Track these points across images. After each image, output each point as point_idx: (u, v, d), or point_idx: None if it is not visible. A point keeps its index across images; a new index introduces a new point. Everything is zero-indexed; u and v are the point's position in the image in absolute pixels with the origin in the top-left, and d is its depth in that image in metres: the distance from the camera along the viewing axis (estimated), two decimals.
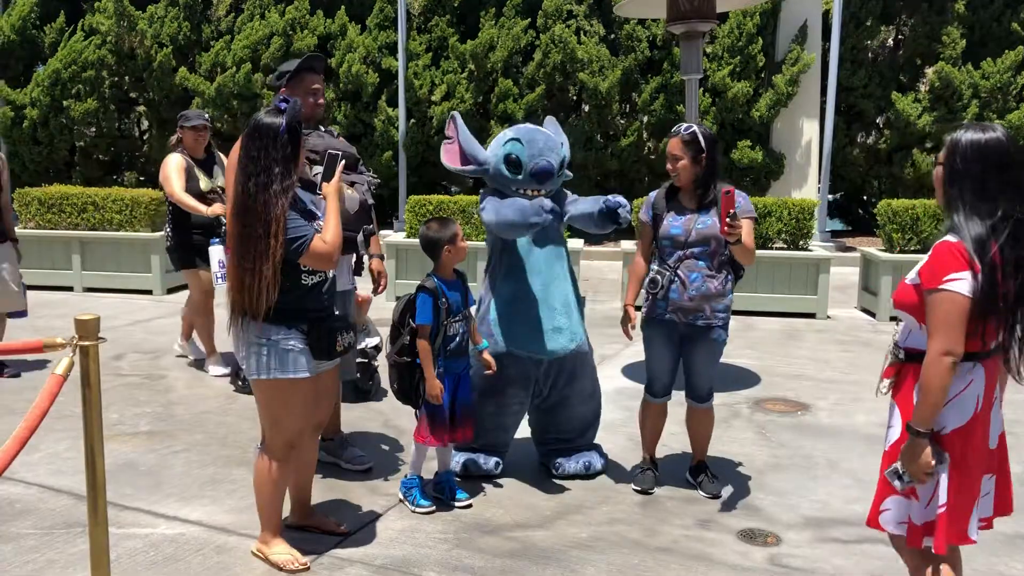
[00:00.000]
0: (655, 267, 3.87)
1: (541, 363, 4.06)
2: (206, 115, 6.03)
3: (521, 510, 3.86)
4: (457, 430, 3.83)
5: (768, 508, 3.93)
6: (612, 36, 13.44)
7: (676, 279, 3.78)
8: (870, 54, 13.46)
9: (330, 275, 3.29)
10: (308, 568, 3.25)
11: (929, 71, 13.17)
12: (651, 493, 4.03)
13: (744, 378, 6.00)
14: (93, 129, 14.33)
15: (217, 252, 5.43)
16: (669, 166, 3.83)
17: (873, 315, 8.18)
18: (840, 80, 12.41)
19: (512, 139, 4.08)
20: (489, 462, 4.18)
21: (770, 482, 4.22)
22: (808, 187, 12.76)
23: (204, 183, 5.73)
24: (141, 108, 15.00)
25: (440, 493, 3.90)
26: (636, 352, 6.68)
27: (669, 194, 3.92)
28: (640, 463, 4.23)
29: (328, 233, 3.10)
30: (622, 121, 13.18)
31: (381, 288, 4.35)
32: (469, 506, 3.85)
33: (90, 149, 14.53)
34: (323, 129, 4.18)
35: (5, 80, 14.22)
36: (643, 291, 3.91)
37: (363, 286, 4.48)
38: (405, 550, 3.45)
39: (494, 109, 13.03)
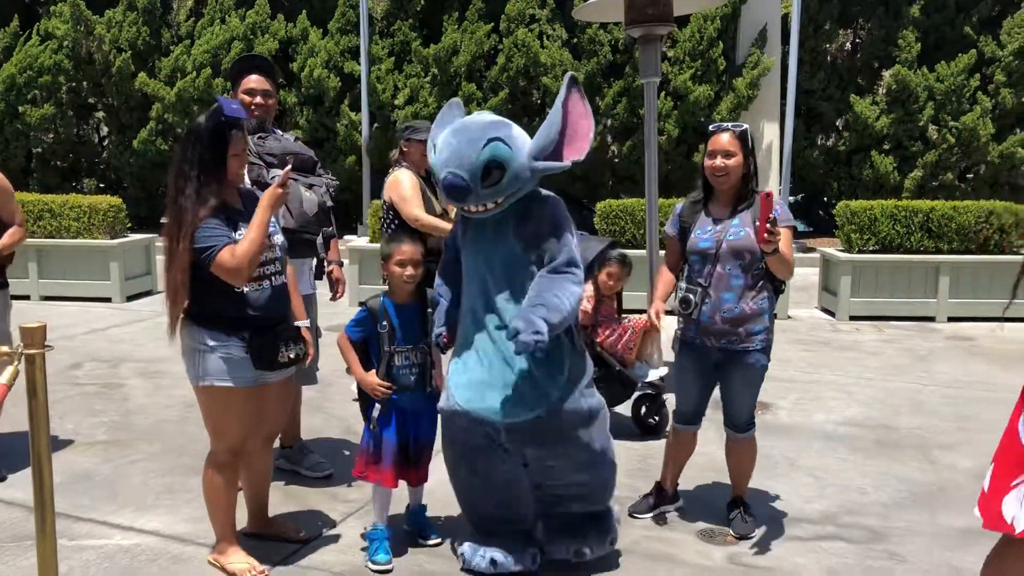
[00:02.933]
0: (684, 284, 3.48)
1: (498, 428, 3.08)
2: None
3: None
4: (412, 470, 3.46)
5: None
6: (574, 40, 13.49)
7: (708, 298, 3.40)
8: (828, 57, 13.65)
9: (277, 282, 3.16)
10: None
11: (886, 74, 13.39)
12: (638, 518, 3.76)
13: None
14: (51, 135, 14.11)
15: None
16: (718, 162, 3.37)
17: (833, 314, 8.28)
18: (799, 83, 12.58)
19: (434, 143, 3.16)
20: (514, 561, 3.22)
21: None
22: (769, 188, 12.87)
23: (435, 205, 4.91)
24: (100, 114, 14.80)
25: (412, 526, 3.63)
26: None
27: (700, 201, 3.53)
28: (653, 489, 3.87)
29: (241, 245, 2.96)
30: None
31: (339, 294, 4.31)
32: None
33: (48, 156, 14.31)
34: (280, 132, 4.16)
35: None
36: (675, 309, 3.53)
37: (322, 291, 4.45)
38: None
39: None
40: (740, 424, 3.61)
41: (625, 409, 4.98)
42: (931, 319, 8.06)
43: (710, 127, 3.50)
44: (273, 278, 3.15)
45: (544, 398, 3.01)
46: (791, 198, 13.59)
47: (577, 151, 3.05)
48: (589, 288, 4.73)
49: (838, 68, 13.54)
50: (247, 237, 2.97)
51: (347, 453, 4.54)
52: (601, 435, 3.22)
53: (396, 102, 13.17)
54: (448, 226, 4.70)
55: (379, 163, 13.33)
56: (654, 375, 4.89)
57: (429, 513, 3.66)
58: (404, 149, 4.96)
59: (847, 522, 3.79)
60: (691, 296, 3.42)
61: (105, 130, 15.10)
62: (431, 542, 3.54)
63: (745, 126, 3.45)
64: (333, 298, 4.29)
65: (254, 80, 3.99)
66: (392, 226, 4.91)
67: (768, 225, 3.08)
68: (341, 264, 4.36)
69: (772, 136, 12.93)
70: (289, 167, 3.19)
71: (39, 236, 9.02)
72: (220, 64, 13.37)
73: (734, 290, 3.37)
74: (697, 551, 3.51)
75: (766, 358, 3.48)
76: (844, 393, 5.75)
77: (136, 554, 3.42)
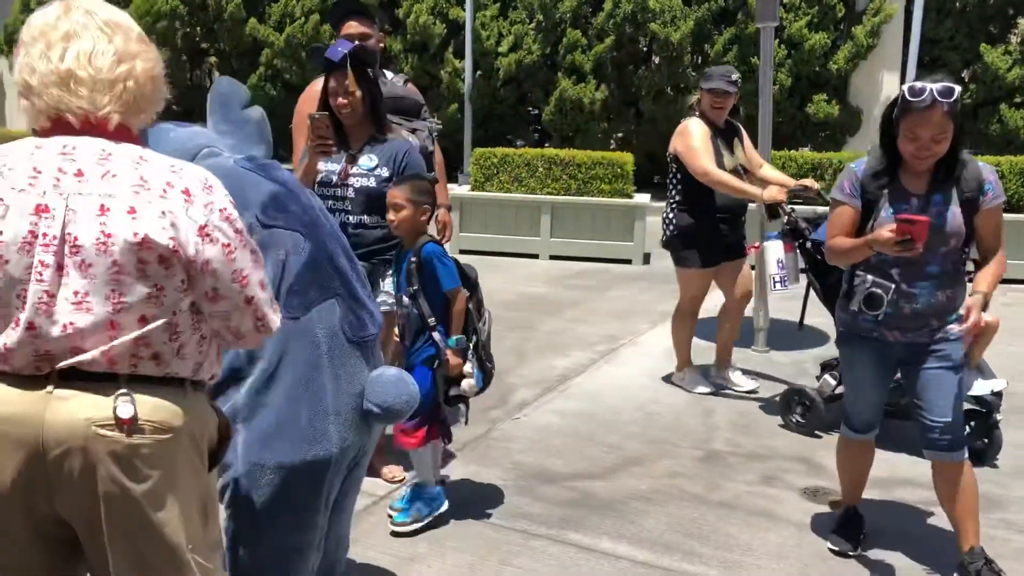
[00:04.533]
0: (870, 276, 2.82)
1: None
2: (735, 75, 4.56)
3: (580, 461, 3.85)
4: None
5: (834, 467, 3.82)
6: None
7: (901, 294, 2.79)
8: (958, 4, 12.85)
9: (342, 219, 3.33)
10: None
11: (1022, 21, 12.53)
12: (850, 556, 3.07)
13: (812, 337, 5.86)
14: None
15: (776, 249, 4.28)
16: (926, 148, 2.67)
17: None
18: (924, 31, 11.89)
19: None
20: None
21: (835, 441, 4.12)
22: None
23: (728, 160, 4.50)
24: (212, 59, 15.21)
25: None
26: (702, 310, 6.56)
27: (885, 171, 2.81)
28: (841, 514, 3.22)
29: None
30: (693, 73, 12.87)
31: (445, 239, 4.32)
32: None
33: None
34: (388, 75, 4.16)
35: None
36: (853, 305, 2.88)
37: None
38: (465, 495, 3.47)
39: (562, 61, 12.84)
40: (944, 441, 2.80)
41: None
42: None
43: (907, 91, 2.65)
44: (337, 215, 3.33)
45: None
46: None
47: None
48: None
49: (967, 15, 12.73)
50: None
51: None
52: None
53: (500, 49, 13.07)
54: (742, 185, 4.37)
55: (482, 111, 13.30)
56: (986, 387, 3.84)
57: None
58: (699, 97, 4.59)
59: None
60: (881, 294, 2.79)
61: (217, 75, 15.53)
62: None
63: (958, 90, 2.62)
64: (440, 242, 4.30)
65: (351, 26, 4.04)
66: (675, 179, 4.62)
67: (900, 245, 2.60)
68: (449, 208, 4.36)
69: (892, 88, 12.32)
70: (324, 114, 3.23)
71: None
72: (328, 10, 13.51)
73: (930, 279, 2.77)
74: (800, 509, 3.44)
75: (962, 348, 2.81)
76: None
77: None
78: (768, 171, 4.69)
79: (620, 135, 13.29)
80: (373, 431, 2.26)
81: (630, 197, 8.53)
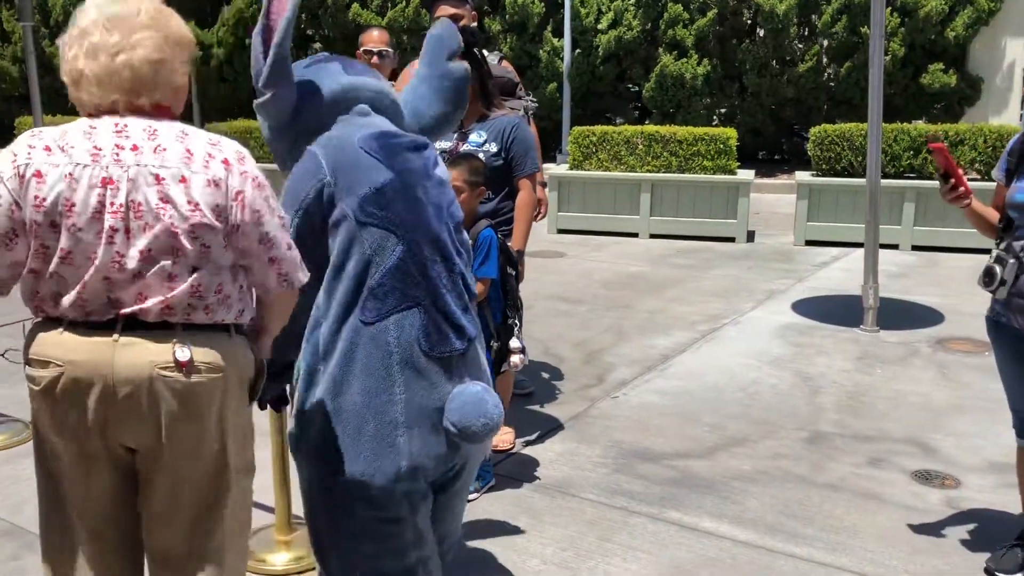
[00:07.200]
0: (994, 251, 2.61)
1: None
2: None
3: (681, 440, 3.82)
4: None
5: (947, 450, 3.71)
6: None
7: (1021, 271, 2.53)
8: None
9: None
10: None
11: None
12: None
13: (926, 316, 5.65)
14: None
15: None
16: None
17: None
18: None
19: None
20: None
21: (950, 423, 3.97)
22: (1009, 113, 11.69)
23: None
24: (317, 45, 15.56)
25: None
26: (808, 288, 6.42)
27: None
28: (1017, 538, 2.84)
29: None
30: (800, 46, 12.45)
31: (541, 216, 4.33)
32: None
33: None
34: (483, 54, 4.20)
35: (194, 21, 15.09)
36: (979, 281, 2.69)
37: None
38: (565, 472, 3.50)
39: (663, 36, 12.62)
40: None
41: None
42: None
43: None
44: None
45: None
46: None
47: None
48: None
49: None
50: None
51: (546, 376, 4.64)
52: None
53: (599, 26, 12.94)
54: None
55: (581, 90, 13.22)
56: None
57: None
58: None
59: None
60: (997, 269, 2.54)
61: None
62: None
63: None
64: (535, 219, 4.32)
65: (443, 9, 4.09)
66: None
67: (944, 184, 2.52)
68: (544, 185, 4.38)
69: (1016, 54, 11.66)
70: None
71: (265, 161, 9.67)
72: None
73: None
74: (910, 492, 3.33)
75: None
76: None
77: None
78: None
79: (723, 110, 12.98)
80: (466, 447, 2.06)
81: (733, 173, 8.35)
